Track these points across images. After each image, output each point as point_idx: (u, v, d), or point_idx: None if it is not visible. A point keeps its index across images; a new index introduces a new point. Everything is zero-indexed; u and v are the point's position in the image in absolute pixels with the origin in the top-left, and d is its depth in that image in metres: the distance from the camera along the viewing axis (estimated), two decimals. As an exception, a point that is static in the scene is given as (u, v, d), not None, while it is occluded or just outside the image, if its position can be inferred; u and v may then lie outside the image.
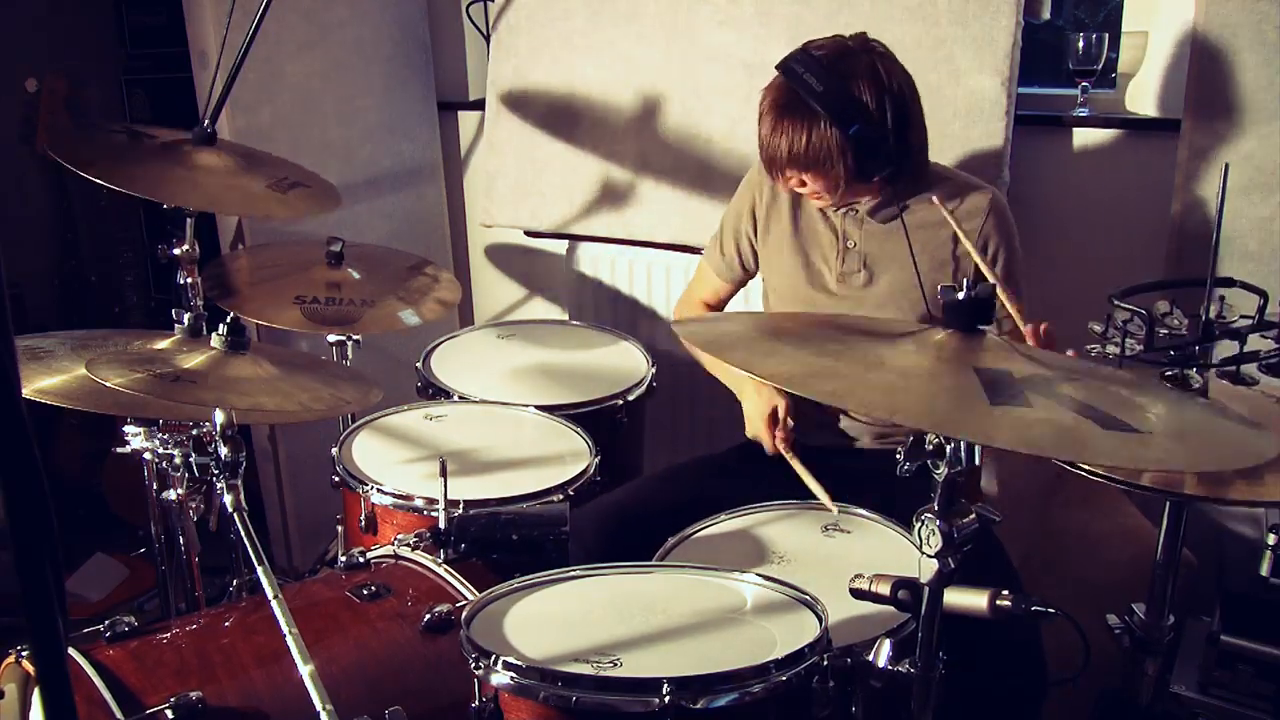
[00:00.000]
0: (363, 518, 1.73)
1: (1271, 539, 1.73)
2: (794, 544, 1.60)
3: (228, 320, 1.63)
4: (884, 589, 1.17)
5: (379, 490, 1.72)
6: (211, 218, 2.57)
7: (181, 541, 1.75)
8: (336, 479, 1.79)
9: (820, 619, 1.28)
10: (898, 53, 1.79)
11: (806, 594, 1.34)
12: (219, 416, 1.32)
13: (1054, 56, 2.44)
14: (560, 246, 2.88)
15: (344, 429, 1.95)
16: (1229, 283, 1.87)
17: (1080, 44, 2.27)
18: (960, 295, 1.14)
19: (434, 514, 1.62)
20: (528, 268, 3.09)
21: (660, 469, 2.09)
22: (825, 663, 1.22)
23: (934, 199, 1.66)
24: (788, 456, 1.79)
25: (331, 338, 2.20)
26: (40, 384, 1.42)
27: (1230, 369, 1.57)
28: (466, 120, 3.10)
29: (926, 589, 1.13)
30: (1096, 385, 1.12)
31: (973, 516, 1.11)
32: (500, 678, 1.19)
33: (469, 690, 1.23)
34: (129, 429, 1.62)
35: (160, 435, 1.61)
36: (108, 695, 1.23)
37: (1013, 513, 1.24)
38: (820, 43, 1.73)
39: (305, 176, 2.16)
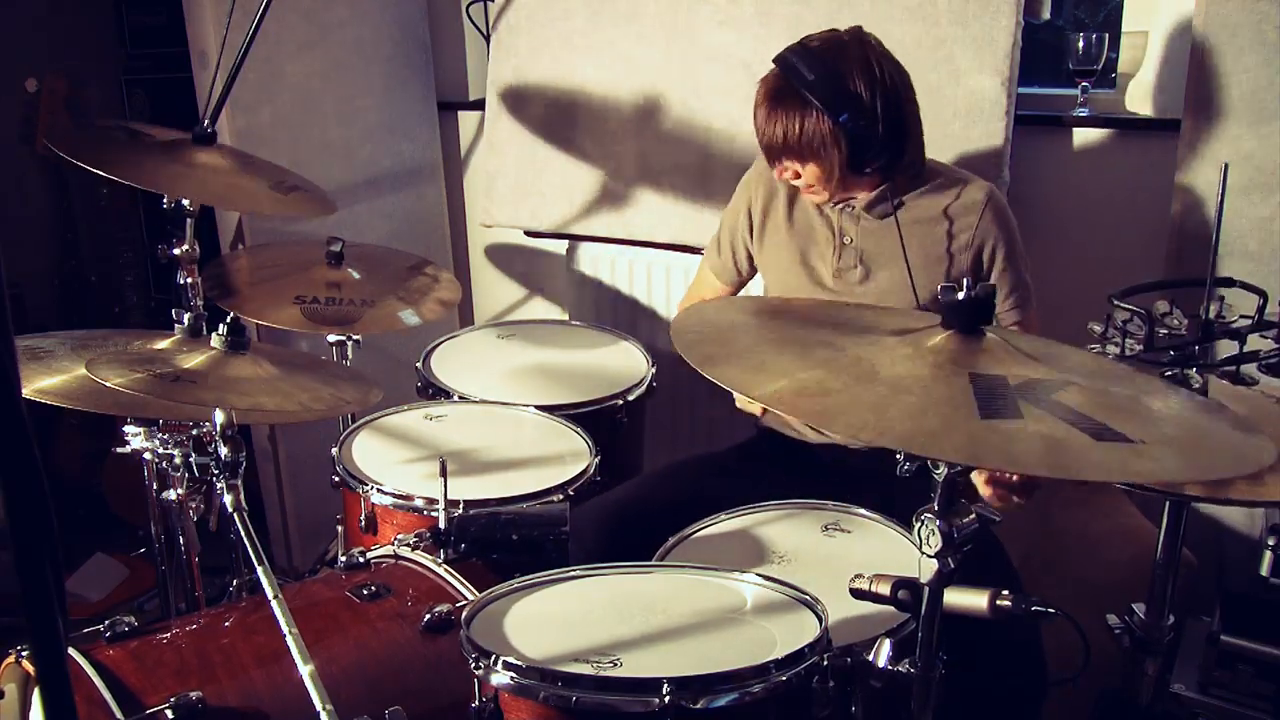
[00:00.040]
0: (363, 518, 1.73)
1: (1271, 539, 1.73)
2: (794, 544, 1.60)
3: (228, 320, 1.63)
4: (884, 589, 1.17)
5: (379, 490, 1.72)
6: (211, 218, 2.57)
7: (181, 541, 1.75)
8: (336, 479, 1.79)
9: (820, 619, 1.28)
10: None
11: (806, 594, 1.34)
12: (219, 416, 1.32)
13: (1054, 56, 2.44)
14: (560, 246, 2.88)
15: (344, 429, 1.95)
16: (1229, 283, 1.87)
17: (1080, 44, 2.27)
18: (960, 295, 1.14)
19: (434, 514, 1.62)
20: (528, 268, 3.09)
21: (662, 467, 2.09)
22: (825, 663, 1.22)
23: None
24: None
25: (331, 338, 2.20)
26: (40, 384, 1.42)
27: (1230, 369, 1.57)
28: (466, 120, 3.10)
29: (926, 589, 1.13)
30: (1098, 386, 1.12)
31: (973, 516, 1.11)
32: (500, 678, 1.19)
33: (469, 690, 1.23)
34: (129, 429, 1.62)
35: (160, 435, 1.61)
36: (108, 695, 1.23)
37: (1012, 513, 1.23)
38: (816, 36, 1.76)
39: (302, 183, 2.17)
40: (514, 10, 2.71)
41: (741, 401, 1.85)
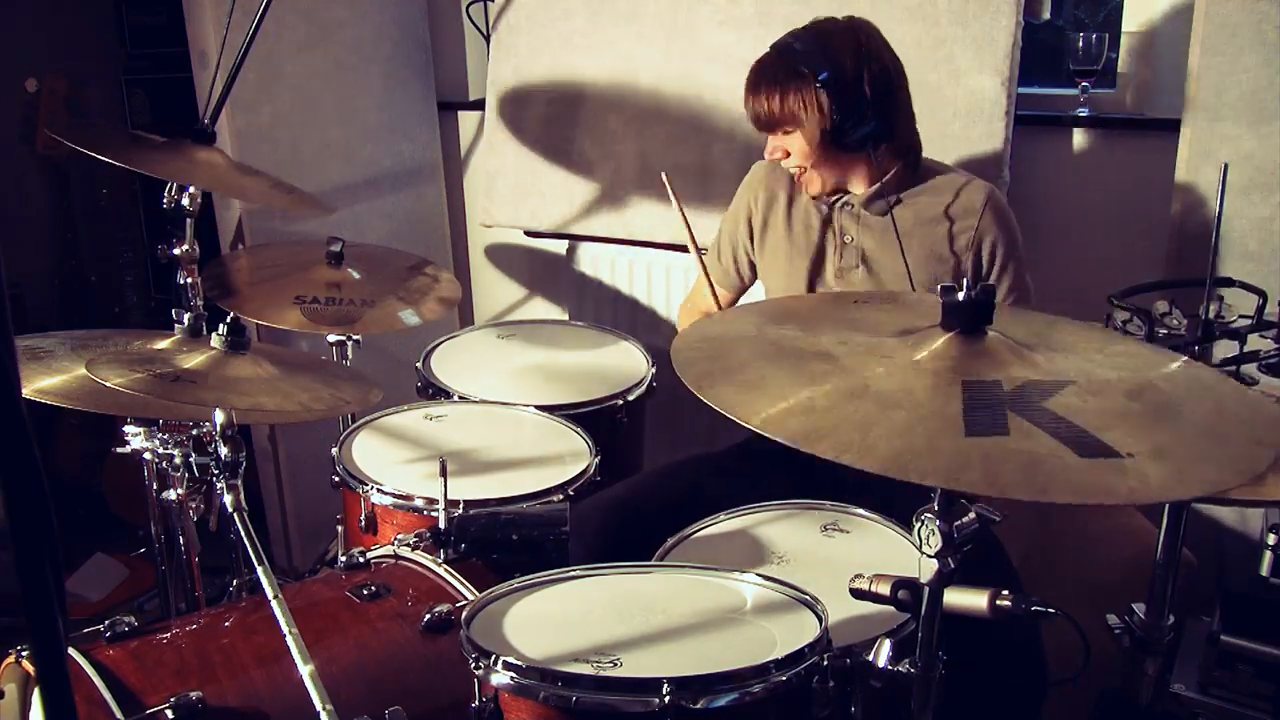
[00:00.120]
0: (363, 518, 1.73)
1: (1271, 539, 1.73)
2: (794, 544, 1.60)
3: (228, 320, 1.63)
4: (884, 589, 1.17)
5: (379, 490, 1.72)
6: (211, 218, 2.57)
7: (181, 541, 1.75)
8: (336, 479, 1.79)
9: (820, 619, 1.28)
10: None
11: (806, 594, 1.34)
12: (219, 416, 1.32)
13: (1054, 56, 2.44)
14: (560, 246, 2.88)
15: (344, 429, 1.95)
16: (1228, 283, 1.87)
17: (1080, 44, 2.27)
18: (960, 296, 1.14)
19: (434, 514, 1.62)
20: (528, 268, 3.09)
21: (662, 466, 2.09)
22: (825, 663, 1.22)
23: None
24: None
25: (331, 338, 2.20)
26: (40, 384, 1.42)
27: (1230, 369, 1.57)
28: (466, 120, 3.10)
29: (926, 589, 1.13)
30: (1098, 385, 1.11)
31: (973, 516, 1.11)
32: (500, 678, 1.19)
33: (469, 690, 1.23)
34: (129, 429, 1.62)
35: (160, 435, 1.61)
36: (108, 695, 1.23)
37: (1013, 513, 1.23)
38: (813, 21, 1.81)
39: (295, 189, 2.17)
40: (514, 10, 2.71)
41: None
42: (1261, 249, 2.04)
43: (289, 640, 1.20)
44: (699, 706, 1.13)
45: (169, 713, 1.22)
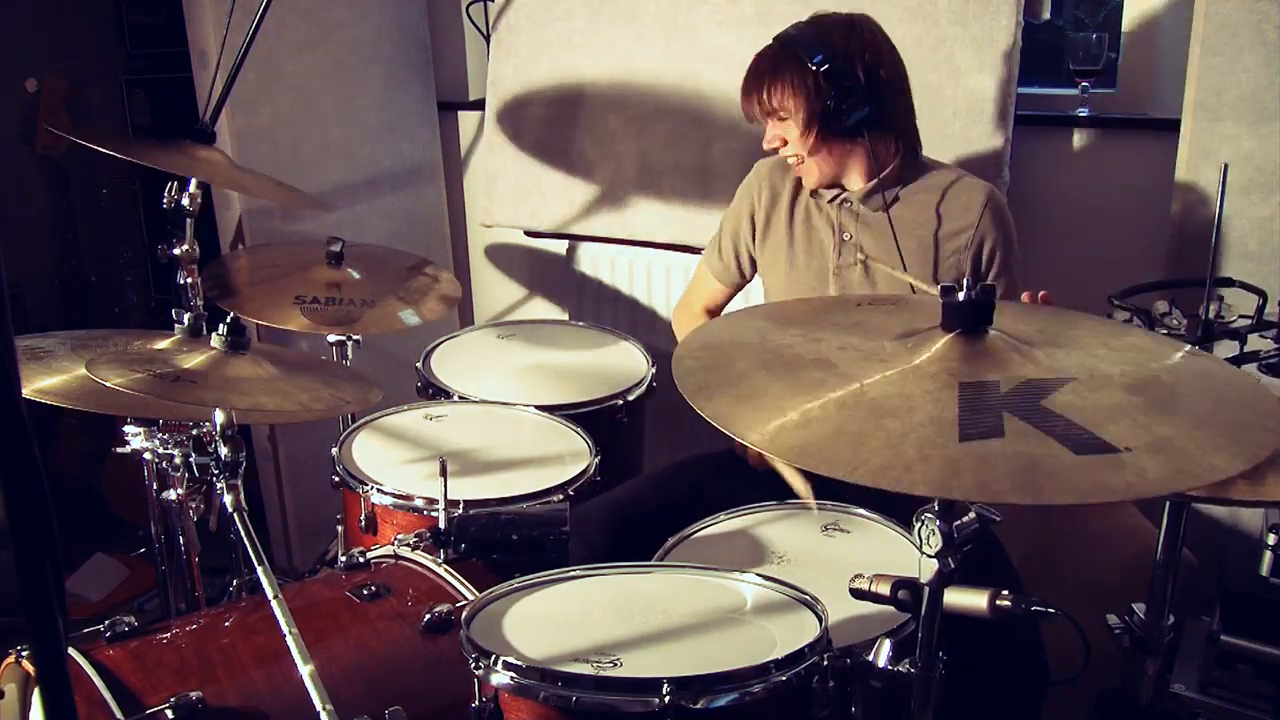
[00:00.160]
0: (363, 518, 1.73)
1: (1271, 539, 1.73)
2: (794, 544, 1.60)
3: (228, 320, 1.63)
4: (884, 589, 1.17)
5: (379, 490, 1.72)
6: (211, 218, 2.57)
7: (181, 541, 1.75)
8: (336, 479, 1.79)
9: (820, 619, 1.28)
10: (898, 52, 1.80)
11: (806, 594, 1.34)
12: (219, 416, 1.32)
13: (1054, 56, 2.44)
14: (560, 246, 2.88)
15: (344, 429, 1.95)
16: (1229, 283, 1.87)
17: (1080, 44, 2.27)
18: (960, 296, 1.14)
19: (434, 514, 1.62)
20: (528, 268, 3.09)
21: (663, 467, 2.09)
22: (825, 663, 1.22)
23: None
24: (770, 461, 1.79)
25: (331, 338, 2.20)
26: (40, 384, 1.42)
27: (1230, 369, 1.57)
28: (466, 120, 3.10)
29: (926, 589, 1.13)
30: (1099, 381, 1.11)
31: (973, 516, 1.11)
32: (500, 678, 1.19)
33: (469, 690, 1.23)
34: (129, 429, 1.62)
35: (160, 435, 1.61)
36: (108, 695, 1.23)
37: (1013, 513, 1.23)
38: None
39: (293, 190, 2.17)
40: (514, 10, 2.71)
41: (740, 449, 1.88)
42: (1261, 249, 2.04)
43: (289, 640, 1.20)
44: (699, 706, 1.13)
45: (169, 713, 1.22)
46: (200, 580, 1.81)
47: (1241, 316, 1.74)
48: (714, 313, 2.20)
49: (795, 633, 1.27)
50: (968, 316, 1.14)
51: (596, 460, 1.83)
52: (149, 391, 1.46)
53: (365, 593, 1.46)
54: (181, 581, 1.79)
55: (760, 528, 1.65)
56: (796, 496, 1.72)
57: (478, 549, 1.64)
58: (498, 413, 2.04)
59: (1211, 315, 1.72)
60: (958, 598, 1.13)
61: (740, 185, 2.06)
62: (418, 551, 1.60)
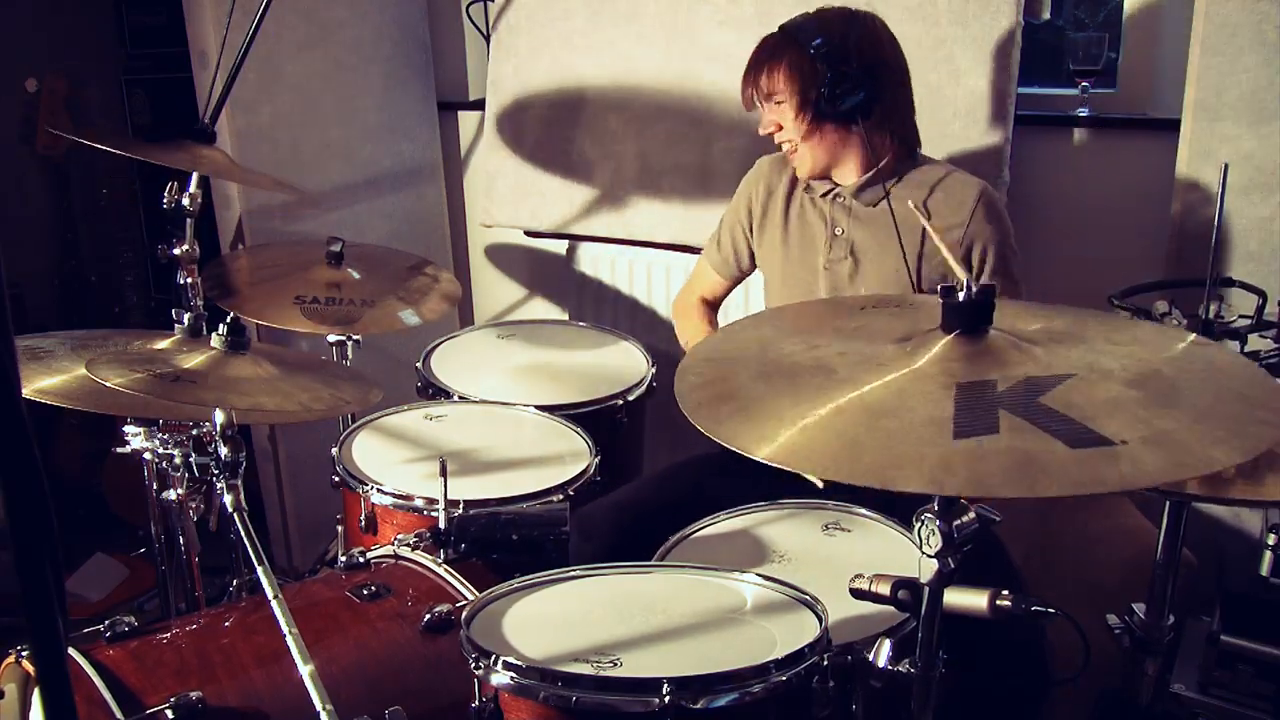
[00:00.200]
0: (363, 518, 1.73)
1: (1271, 539, 1.73)
2: (794, 544, 1.60)
3: (228, 320, 1.63)
4: (884, 589, 1.17)
5: (379, 490, 1.72)
6: (211, 218, 2.57)
7: (181, 541, 1.75)
8: (336, 479, 1.79)
9: (820, 619, 1.28)
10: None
11: (806, 594, 1.34)
12: (219, 416, 1.32)
13: (1054, 56, 2.44)
14: (560, 246, 2.88)
15: (344, 429, 1.95)
16: (1229, 283, 1.87)
17: (1080, 44, 2.27)
18: (960, 297, 1.14)
19: (434, 514, 1.62)
20: (528, 268, 3.09)
21: (663, 467, 2.09)
22: (825, 663, 1.22)
23: (910, 203, 1.67)
24: None
25: (331, 338, 2.20)
26: (40, 384, 1.42)
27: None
28: (466, 120, 3.10)
29: (926, 589, 1.13)
30: (1099, 376, 1.11)
31: (973, 516, 1.11)
32: (500, 678, 1.19)
33: (469, 690, 1.23)
34: (129, 429, 1.62)
35: (160, 435, 1.61)
36: (108, 695, 1.23)
37: (1013, 513, 1.23)
38: None
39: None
40: (514, 10, 2.71)
41: None
42: (1261, 249, 2.04)
43: (289, 640, 1.20)
44: (699, 706, 1.13)
45: (169, 713, 1.22)
46: (200, 580, 1.81)
47: (1241, 316, 1.74)
48: (712, 304, 2.22)
49: (795, 633, 1.27)
50: (967, 317, 1.15)
51: (596, 460, 1.83)
52: (149, 391, 1.46)
53: (365, 593, 1.46)
54: (181, 581, 1.79)
55: (760, 528, 1.65)
56: (800, 491, 1.72)
57: (478, 549, 1.64)
58: (498, 413, 2.04)
59: (1211, 315, 1.72)
60: (958, 598, 1.13)
61: (742, 181, 2.07)
62: (418, 551, 1.60)
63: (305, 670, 1.17)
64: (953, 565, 1.10)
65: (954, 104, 2.21)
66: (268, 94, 2.58)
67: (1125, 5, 2.32)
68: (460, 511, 1.63)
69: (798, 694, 1.20)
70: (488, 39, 2.81)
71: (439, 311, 2.26)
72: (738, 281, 2.17)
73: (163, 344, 1.64)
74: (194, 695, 1.24)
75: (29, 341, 1.57)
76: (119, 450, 1.65)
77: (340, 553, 1.66)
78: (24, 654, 1.28)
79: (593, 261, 2.79)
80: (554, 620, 1.33)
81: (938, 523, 1.09)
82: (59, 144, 3.05)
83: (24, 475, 0.70)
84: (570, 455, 1.86)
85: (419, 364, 2.22)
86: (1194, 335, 1.24)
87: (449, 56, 3.05)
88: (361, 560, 1.58)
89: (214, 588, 2.11)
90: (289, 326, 2.11)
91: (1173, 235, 2.12)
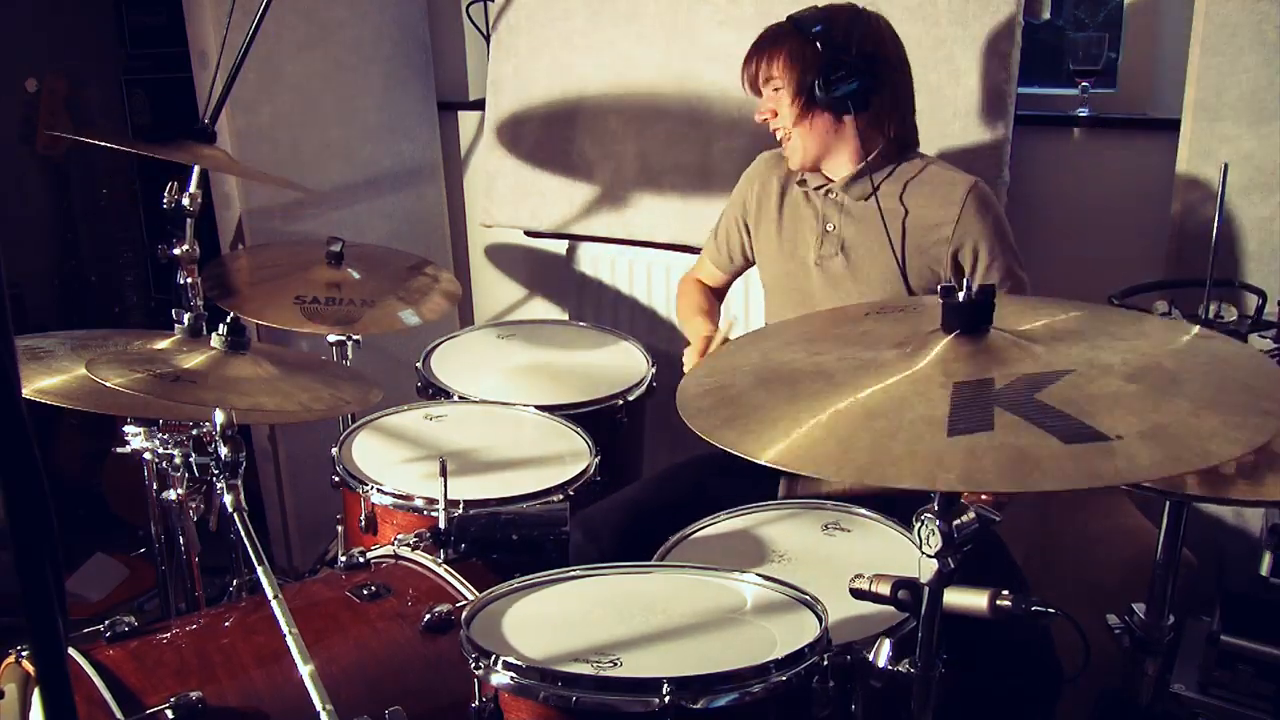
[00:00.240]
0: (363, 518, 1.73)
1: (1271, 539, 1.73)
2: (794, 544, 1.60)
3: (228, 320, 1.63)
4: (884, 589, 1.17)
5: (379, 490, 1.72)
6: (211, 218, 2.57)
7: (181, 541, 1.75)
8: (336, 479, 1.79)
9: (820, 619, 1.28)
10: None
11: (806, 594, 1.34)
12: (219, 416, 1.32)
13: (1054, 56, 2.44)
14: (560, 246, 2.88)
15: (344, 429, 1.95)
16: (1229, 283, 1.87)
17: (1080, 44, 2.27)
18: (960, 297, 1.14)
19: (434, 514, 1.62)
20: (528, 268, 3.09)
21: (667, 468, 2.09)
22: (825, 663, 1.22)
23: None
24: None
25: (331, 338, 2.20)
26: (40, 384, 1.42)
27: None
28: (466, 120, 3.10)
29: (926, 589, 1.13)
30: (1098, 372, 1.10)
31: (972, 516, 1.11)
32: (500, 678, 1.19)
33: (469, 690, 1.23)
34: (129, 429, 1.62)
35: (160, 435, 1.61)
36: (108, 695, 1.23)
37: (1013, 513, 1.23)
38: None
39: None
40: (514, 10, 2.71)
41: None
42: (1261, 249, 2.04)
43: (289, 640, 1.20)
44: (699, 706, 1.13)
45: (169, 713, 1.22)
46: (200, 580, 1.81)
47: (1242, 317, 1.74)
48: (716, 291, 2.24)
49: (795, 633, 1.27)
50: (966, 317, 1.15)
51: (596, 460, 1.83)
52: (149, 391, 1.46)
53: (365, 593, 1.46)
54: (181, 581, 1.79)
55: (760, 528, 1.65)
56: (802, 496, 1.72)
57: (478, 549, 1.64)
58: (498, 413, 2.04)
59: (1211, 315, 1.72)
60: (958, 598, 1.13)
61: (741, 177, 2.08)
62: (418, 551, 1.60)
63: (305, 670, 1.17)
64: (952, 565, 1.10)
65: (954, 104, 2.21)
66: (268, 94, 2.58)
67: (1125, 5, 2.32)
68: (460, 511, 1.63)
69: (798, 694, 1.20)
70: (488, 39, 2.81)
71: (439, 311, 2.26)
72: (736, 275, 2.18)
73: (163, 344, 1.64)
74: (194, 695, 1.24)
75: (29, 341, 1.57)
76: (119, 450, 1.65)
77: (340, 553, 1.66)
78: (24, 654, 1.28)
79: (593, 261, 2.79)
80: (554, 620, 1.33)
81: (938, 523, 1.09)
82: (59, 144, 3.05)
83: (24, 475, 0.70)
84: (570, 455, 1.86)
85: (419, 364, 2.22)
86: (1198, 328, 1.24)
87: (449, 56, 3.05)
88: (361, 560, 1.58)
89: (214, 588, 2.11)
90: (289, 326, 2.11)
91: (1173, 235, 2.12)
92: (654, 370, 2.21)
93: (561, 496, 1.72)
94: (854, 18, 1.79)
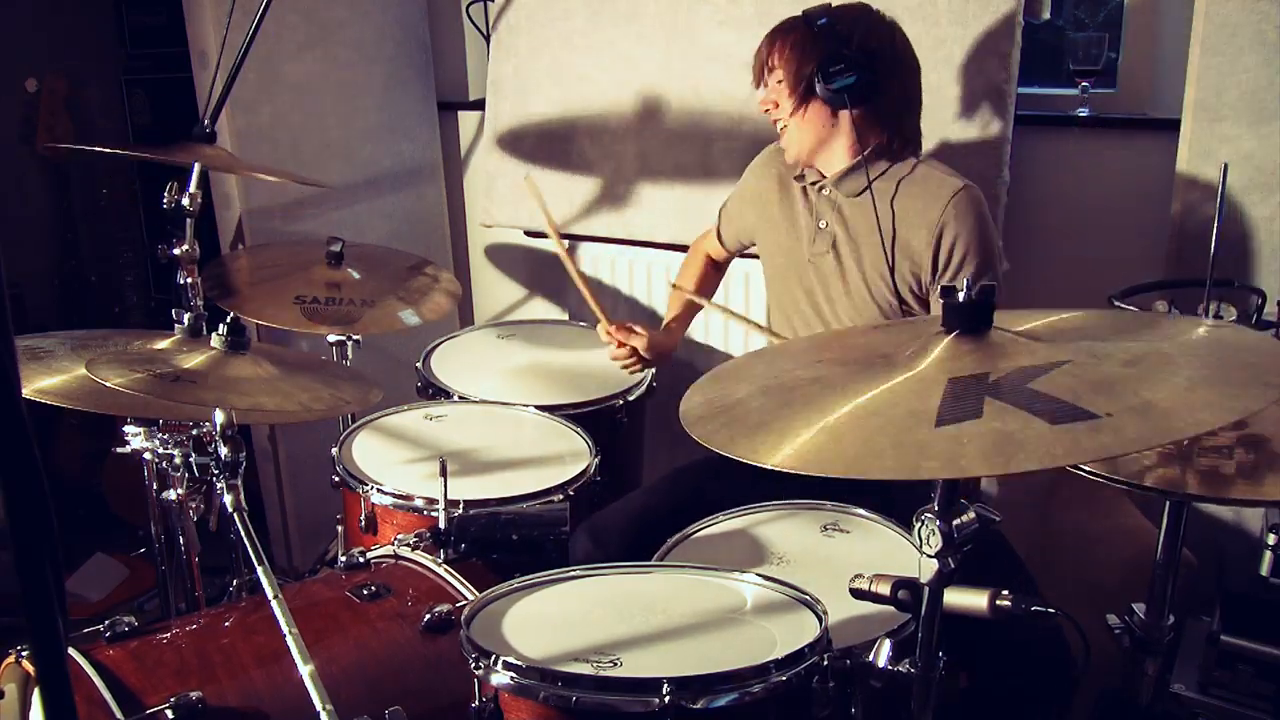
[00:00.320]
0: (363, 518, 1.73)
1: (1271, 539, 1.73)
2: (794, 544, 1.60)
3: (228, 320, 1.63)
4: (884, 589, 1.17)
5: (379, 490, 1.72)
6: (211, 218, 2.57)
7: (181, 541, 1.75)
8: (336, 479, 1.79)
9: (820, 619, 1.28)
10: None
11: (806, 594, 1.34)
12: (219, 416, 1.32)
13: (1054, 56, 2.44)
14: (560, 246, 2.88)
15: (344, 429, 1.95)
16: (1228, 283, 1.87)
17: (1080, 44, 2.26)
18: (959, 297, 1.14)
19: (434, 514, 1.62)
20: (528, 268, 3.09)
21: (665, 470, 2.09)
22: (825, 663, 1.22)
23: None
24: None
25: (331, 338, 2.20)
26: (40, 384, 1.42)
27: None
28: (466, 120, 3.10)
29: (926, 589, 1.13)
30: (1096, 360, 1.10)
31: (972, 516, 1.11)
32: (500, 678, 1.19)
33: (469, 690, 1.23)
34: (129, 429, 1.62)
35: (160, 435, 1.61)
36: (108, 695, 1.23)
37: (1013, 513, 1.23)
38: None
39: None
40: (514, 10, 2.71)
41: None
42: (1261, 249, 2.04)
43: (289, 640, 1.20)
44: (699, 706, 1.13)
45: (169, 713, 1.22)
46: (200, 580, 1.81)
47: (1242, 316, 1.74)
48: (719, 264, 2.27)
49: (795, 633, 1.27)
50: (967, 317, 1.14)
51: (596, 460, 1.83)
52: (149, 391, 1.46)
53: (365, 593, 1.47)
54: (181, 581, 1.79)
55: (760, 528, 1.65)
56: (802, 496, 1.72)
57: (478, 549, 1.64)
58: (498, 413, 2.04)
59: (1211, 315, 1.72)
60: (958, 598, 1.13)
61: (747, 168, 2.09)
62: (418, 551, 1.60)
63: (305, 670, 1.17)
64: (952, 565, 1.10)
65: (954, 104, 2.21)
66: (268, 94, 2.58)
67: (1125, 5, 2.32)
68: (460, 511, 1.63)
69: (798, 694, 1.20)
70: (488, 39, 2.81)
71: (439, 311, 2.26)
72: (738, 252, 2.20)
73: (163, 344, 1.64)
74: (194, 695, 1.24)
75: (29, 341, 1.57)
76: (119, 450, 1.65)
77: (340, 553, 1.66)
78: (24, 654, 1.28)
79: (593, 261, 2.79)
80: (554, 620, 1.33)
81: (938, 523, 1.09)
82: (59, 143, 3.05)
83: (24, 475, 0.70)
84: (570, 455, 1.87)
85: (419, 364, 2.22)
86: (1210, 320, 1.23)
87: (449, 56, 3.05)
88: (361, 560, 1.58)
89: (214, 588, 2.11)
90: (289, 326, 2.11)
91: (1173, 235, 2.12)
92: (654, 370, 2.21)
93: (561, 497, 1.72)
94: (861, 15, 1.80)
